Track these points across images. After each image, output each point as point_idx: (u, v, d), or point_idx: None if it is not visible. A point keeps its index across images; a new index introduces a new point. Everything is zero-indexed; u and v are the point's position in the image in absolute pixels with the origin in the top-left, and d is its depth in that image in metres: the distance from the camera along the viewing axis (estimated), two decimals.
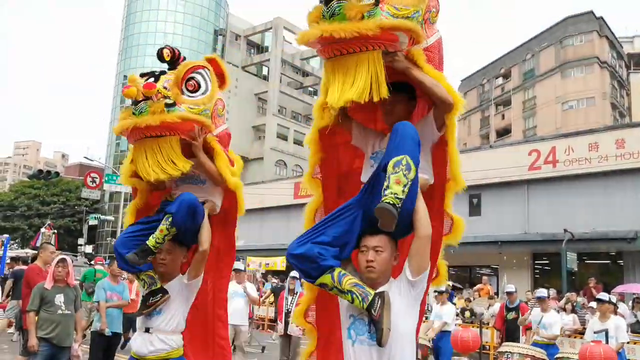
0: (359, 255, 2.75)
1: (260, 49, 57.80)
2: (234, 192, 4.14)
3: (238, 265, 9.67)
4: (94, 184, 28.73)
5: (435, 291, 11.23)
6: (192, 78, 3.82)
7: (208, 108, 3.89)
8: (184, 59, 4.08)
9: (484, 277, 19.64)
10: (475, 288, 19.02)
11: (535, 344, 8.35)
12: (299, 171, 49.39)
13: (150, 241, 3.75)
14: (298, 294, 10.40)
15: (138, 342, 3.90)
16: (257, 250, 29.12)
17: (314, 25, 2.70)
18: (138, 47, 53.63)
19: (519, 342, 9.26)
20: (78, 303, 6.78)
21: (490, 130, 56.51)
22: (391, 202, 2.48)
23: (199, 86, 3.84)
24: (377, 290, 2.62)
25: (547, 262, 22.89)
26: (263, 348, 13.10)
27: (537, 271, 22.90)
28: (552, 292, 15.07)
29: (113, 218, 40.68)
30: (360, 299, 2.58)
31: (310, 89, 60.44)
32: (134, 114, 3.67)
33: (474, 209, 23.74)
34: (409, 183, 2.54)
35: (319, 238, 2.69)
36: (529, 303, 12.42)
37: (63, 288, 6.47)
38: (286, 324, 10.56)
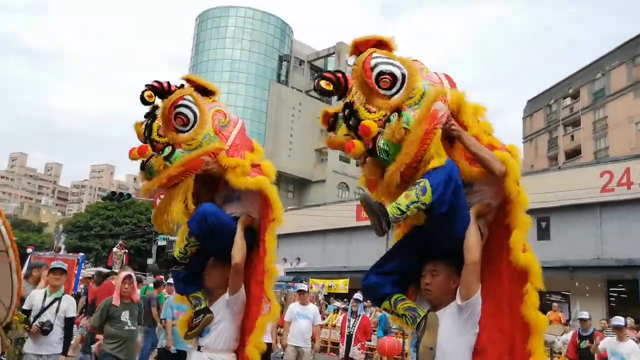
0: (421, 279, 3.00)
1: None
2: (266, 196, 3.90)
3: (301, 286, 9.66)
4: None
5: None
6: (179, 113, 3.72)
7: (207, 132, 3.80)
8: (175, 87, 3.92)
9: (555, 304, 18.79)
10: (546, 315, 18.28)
11: None
12: (361, 192, 49.28)
13: (175, 252, 3.92)
14: (360, 316, 10.28)
15: (192, 359, 3.95)
16: (320, 273, 29.11)
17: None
18: (207, 73, 55.39)
19: None
20: (140, 318, 6.98)
21: (558, 152, 54.56)
22: (389, 210, 2.66)
23: (188, 119, 3.74)
24: (427, 312, 2.87)
25: (623, 289, 21.69)
26: None
27: (613, 299, 21.72)
28: (630, 321, 14.25)
29: None
30: (411, 321, 2.86)
31: None
32: (147, 177, 3.80)
33: (543, 233, 22.92)
34: (419, 203, 2.67)
35: (380, 269, 3.02)
36: (604, 332, 11.77)
37: (128, 304, 6.66)
38: (348, 347, 10.44)
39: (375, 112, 2.80)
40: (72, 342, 12.28)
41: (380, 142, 2.70)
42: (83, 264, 17.80)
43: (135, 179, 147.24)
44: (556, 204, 21.67)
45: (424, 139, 2.67)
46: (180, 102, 3.72)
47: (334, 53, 55.48)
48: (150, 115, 3.81)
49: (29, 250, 15.34)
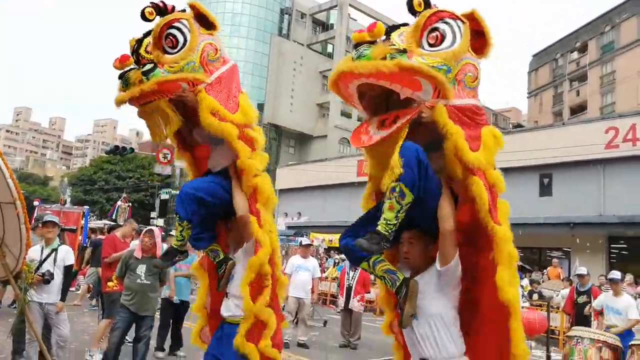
0: (399, 246, 3.08)
1: (326, 26, 57.50)
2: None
3: (306, 240, 9.79)
4: (166, 160, 29.70)
5: None
6: (170, 34, 3.68)
7: (192, 60, 3.72)
8: (173, 9, 3.84)
9: (555, 260, 19.00)
10: (545, 271, 18.50)
11: (607, 329, 7.96)
12: (362, 149, 49.20)
13: (174, 242, 4.01)
14: (359, 270, 10.45)
15: (222, 304, 4.09)
16: (320, 227, 29.37)
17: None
18: None
19: (590, 327, 8.89)
20: (163, 275, 7.05)
21: (563, 108, 54.08)
22: (382, 230, 2.71)
23: (177, 41, 3.70)
24: (408, 277, 2.92)
25: (624, 245, 21.87)
26: (325, 322, 13.26)
27: (614, 255, 21.89)
28: (629, 277, 14.43)
29: None
30: (390, 283, 2.91)
31: None
32: (122, 88, 3.71)
33: (545, 189, 22.97)
34: (404, 207, 2.71)
35: (357, 232, 3.01)
36: (602, 287, 11.93)
37: (148, 259, 6.75)
38: (347, 299, 10.65)
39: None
40: (79, 291, 12.65)
41: (367, 45, 2.73)
42: (88, 217, 17.97)
43: (137, 133, 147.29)
44: (559, 160, 21.64)
45: (382, 74, 2.63)
46: (175, 23, 3.69)
47: (336, 6, 54.39)
48: (148, 34, 3.77)
49: (36, 203, 15.48)
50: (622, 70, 46.19)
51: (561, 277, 16.29)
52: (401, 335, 3.18)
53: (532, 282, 17.01)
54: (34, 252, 6.27)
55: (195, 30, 3.76)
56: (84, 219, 15.44)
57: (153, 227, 7.29)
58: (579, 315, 9.51)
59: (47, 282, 6.19)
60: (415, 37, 2.74)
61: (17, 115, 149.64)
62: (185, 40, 3.71)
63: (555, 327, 12.77)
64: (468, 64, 2.88)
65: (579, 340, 7.60)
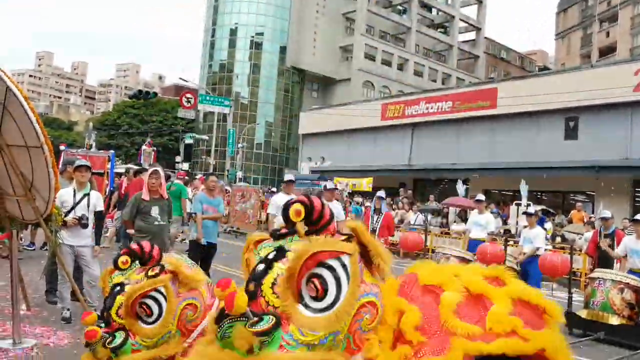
0: None
1: None
2: None
3: (330, 184, 9.69)
4: (189, 104, 29.75)
5: (524, 213, 10.98)
6: (144, 303, 3.34)
7: (169, 330, 3.40)
8: (159, 255, 3.55)
9: (578, 204, 18.88)
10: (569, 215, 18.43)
11: (631, 272, 7.95)
12: (387, 92, 48.61)
13: None
14: (383, 213, 10.48)
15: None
16: (344, 172, 29.44)
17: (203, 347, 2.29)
18: None
19: (612, 269, 8.89)
20: (170, 214, 7.23)
21: (592, 49, 52.47)
22: None
23: (152, 312, 3.36)
24: None
25: None
26: None
27: (638, 199, 21.66)
28: None
29: (207, 137, 42.26)
30: None
31: (399, 7, 58.23)
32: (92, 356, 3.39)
33: (570, 133, 22.59)
34: None
35: None
36: (625, 231, 11.87)
37: (157, 200, 6.91)
38: None
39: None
40: (107, 234, 12.98)
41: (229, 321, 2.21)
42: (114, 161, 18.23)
43: (160, 77, 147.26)
44: (586, 103, 21.17)
45: None
46: (151, 292, 3.36)
47: None
48: (122, 289, 3.44)
49: (62, 147, 15.70)
50: None
51: (585, 221, 16.21)
52: None
53: (555, 225, 16.98)
54: (67, 195, 6.41)
55: (173, 297, 3.43)
56: (109, 163, 15.66)
57: (158, 168, 7.36)
58: (602, 258, 9.51)
59: (85, 226, 6.35)
60: (292, 289, 2.17)
61: (40, 60, 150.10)
62: (160, 312, 3.39)
63: (578, 269, 12.81)
64: (364, 305, 2.26)
65: (601, 282, 7.64)
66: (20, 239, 11.36)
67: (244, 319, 2.10)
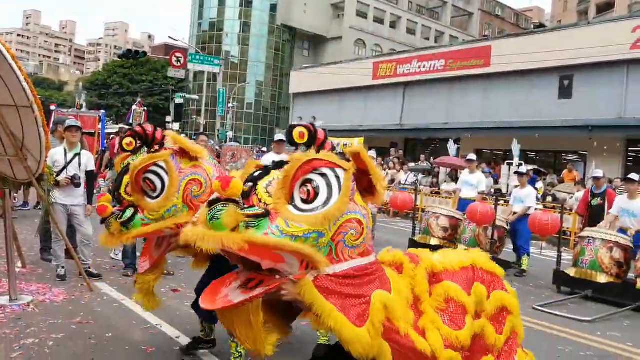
0: None
1: None
2: None
3: (279, 136, 9.42)
4: (179, 64, 29.37)
5: (515, 173, 11.02)
6: (147, 179, 3.51)
7: (174, 204, 3.55)
8: (162, 136, 3.69)
9: (569, 165, 18.97)
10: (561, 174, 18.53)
11: (621, 231, 8.04)
12: (379, 51, 48.10)
13: None
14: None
15: None
16: (336, 132, 29.34)
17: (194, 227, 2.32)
18: None
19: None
20: None
21: (589, 6, 51.77)
22: None
23: (155, 186, 3.54)
24: None
25: None
26: None
27: (631, 159, 21.77)
28: None
29: (197, 97, 41.90)
30: None
31: None
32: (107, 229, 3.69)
33: (564, 91, 22.52)
34: None
35: None
36: (617, 191, 11.97)
37: None
38: None
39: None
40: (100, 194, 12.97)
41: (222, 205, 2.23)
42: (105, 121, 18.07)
43: (149, 36, 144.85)
44: (582, 61, 21.03)
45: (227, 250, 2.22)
46: (151, 167, 3.51)
47: None
48: (126, 171, 3.60)
49: (52, 107, 15.53)
50: None
51: (576, 180, 16.33)
52: None
53: (547, 185, 17.10)
54: (58, 155, 6.40)
55: (174, 173, 3.55)
56: (100, 123, 15.54)
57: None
58: (592, 217, 9.60)
59: (78, 185, 6.39)
60: (285, 191, 2.30)
61: (27, 18, 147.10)
62: (163, 186, 3.54)
63: (568, 229, 12.98)
64: (350, 220, 2.36)
65: (590, 241, 7.74)
66: (14, 199, 11.34)
67: (235, 204, 2.20)
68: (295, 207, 2.29)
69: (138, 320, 5.12)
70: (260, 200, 2.29)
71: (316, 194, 2.31)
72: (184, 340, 4.62)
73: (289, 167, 2.32)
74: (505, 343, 2.85)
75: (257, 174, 2.37)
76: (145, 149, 3.67)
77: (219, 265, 3.67)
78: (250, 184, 2.35)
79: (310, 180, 2.33)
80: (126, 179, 3.56)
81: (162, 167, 3.54)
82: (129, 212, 3.52)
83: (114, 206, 3.63)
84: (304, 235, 2.24)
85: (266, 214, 2.23)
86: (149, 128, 3.67)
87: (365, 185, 2.45)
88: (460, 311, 2.69)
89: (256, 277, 2.35)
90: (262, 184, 2.34)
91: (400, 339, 2.43)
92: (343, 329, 2.28)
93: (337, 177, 2.36)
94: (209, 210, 2.21)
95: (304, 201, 2.30)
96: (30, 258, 7.14)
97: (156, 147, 3.65)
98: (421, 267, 2.71)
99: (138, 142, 3.65)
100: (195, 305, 4.28)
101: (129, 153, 3.66)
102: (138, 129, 3.67)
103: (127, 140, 3.62)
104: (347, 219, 2.35)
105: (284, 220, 2.24)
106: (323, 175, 2.35)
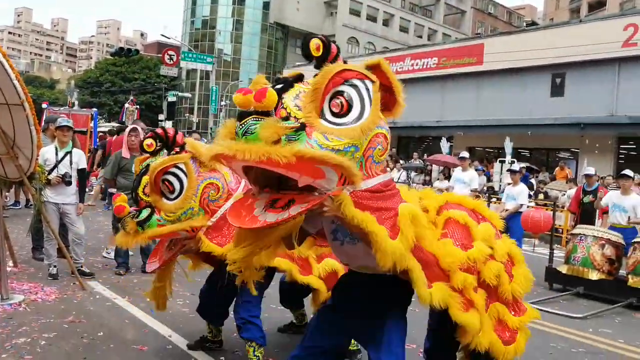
0: None
1: None
2: None
3: None
4: (172, 61, 29.27)
5: (508, 170, 11.06)
6: (166, 180, 3.57)
7: (191, 206, 3.61)
8: (182, 140, 3.79)
9: (561, 162, 19.05)
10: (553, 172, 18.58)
11: (612, 228, 8.10)
12: (372, 49, 48.10)
13: None
14: None
15: None
16: None
17: (224, 141, 2.20)
18: None
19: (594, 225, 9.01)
20: None
21: (581, 4, 51.96)
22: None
23: (174, 188, 3.59)
24: None
25: (633, 146, 21.79)
26: None
27: (622, 156, 21.87)
28: (637, 177, 14.49)
29: (190, 95, 41.78)
30: None
31: None
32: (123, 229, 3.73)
33: (557, 89, 22.60)
34: None
35: None
36: (608, 187, 12.03)
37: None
38: None
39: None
40: (92, 192, 12.92)
41: (254, 119, 2.13)
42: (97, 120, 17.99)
43: (142, 34, 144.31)
44: (573, 59, 21.09)
45: (276, 164, 2.04)
46: (171, 169, 3.56)
47: None
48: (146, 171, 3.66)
49: (44, 105, 15.45)
50: None
51: (569, 178, 16.39)
52: None
53: (539, 182, 17.17)
54: (49, 153, 6.35)
55: (193, 174, 3.62)
56: (93, 121, 15.46)
57: (137, 126, 7.30)
58: (584, 215, 9.65)
59: (69, 183, 6.34)
60: (315, 104, 2.17)
61: (18, 16, 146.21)
62: (182, 188, 3.58)
63: (560, 226, 13.03)
64: (377, 135, 2.33)
65: (582, 238, 7.77)
66: (5, 197, 11.28)
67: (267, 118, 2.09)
68: (327, 120, 2.19)
69: (130, 319, 5.11)
70: (289, 114, 2.15)
71: (349, 107, 2.22)
72: (177, 339, 4.61)
73: (320, 79, 2.19)
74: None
75: (279, 86, 2.21)
76: (165, 151, 3.69)
77: (220, 273, 3.72)
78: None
79: (341, 92, 2.22)
80: (145, 179, 3.60)
81: (181, 169, 3.58)
82: (145, 212, 3.56)
83: (130, 206, 3.68)
84: (344, 149, 2.17)
85: (303, 127, 2.12)
86: (171, 131, 3.70)
87: (384, 100, 2.37)
88: (468, 234, 2.78)
89: (282, 197, 2.25)
90: (288, 97, 2.20)
91: (425, 255, 2.50)
92: (382, 241, 2.28)
93: (367, 89, 2.28)
94: (240, 124, 2.12)
95: (336, 114, 2.20)
96: (21, 257, 7.10)
97: (177, 149, 3.68)
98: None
99: (158, 143, 3.68)
100: (200, 310, 4.31)
101: (148, 154, 3.69)
102: (159, 130, 3.70)
103: (148, 141, 3.64)
104: (375, 133, 2.30)
105: (321, 133, 2.14)
106: (354, 86, 2.25)
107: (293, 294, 4.46)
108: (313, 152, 2.07)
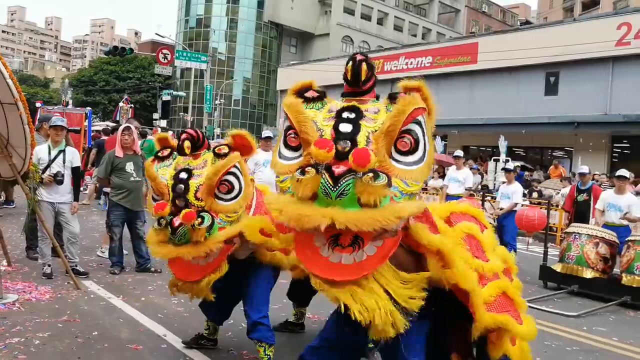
0: None
1: None
2: None
3: (267, 132, 9.38)
4: (166, 60, 29.20)
5: (502, 169, 11.08)
6: (225, 180, 3.45)
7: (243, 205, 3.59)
8: (208, 145, 3.65)
9: (555, 161, 19.10)
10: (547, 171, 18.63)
11: (605, 226, 8.13)
12: (366, 47, 48.11)
13: None
14: None
15: None
16: None
17: (312, 204, 2.10)
18: None
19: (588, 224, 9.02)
20: (143, 169, 7.17)
21: (575, 3, 52.14)
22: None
23: (233, 187, 3.49)
24: None
25: (627, 145, 21.90)
26: None
27: (616, 155, 21.99)
28: (630, 175, 14.55)
29: (184, 94, 41.65)
30: None
31: None
32: (173, 241, 3.40)
33: (551, 88, 22.69)
34: None
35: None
36: (602, 186, 12.07)
37: (132, 156, 6.87)
38: None
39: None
40: (87, 191, 12.87)
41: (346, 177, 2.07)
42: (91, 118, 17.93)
43: (136, 33, 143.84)
44: (567, 58, 21.17)
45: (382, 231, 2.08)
46: (232, 169, 3.46)
47: None
48: (182, 193, 3.41)
49: (38, 104, 15.38)
50: None
51: (563, 176, 16.43)
52: None
53: (533, 181, 17.21)
54: (42, 152, 6.30)
55: (247, 174, 3.60)
56: (87, 120, 15.40)
57: (130, 124, 7.28)
58: (578, 213, 9.67)
59: (60, 182, 6.27)
60: (388, 143, 2.15)
61: (12, 15, 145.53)
62: (241, 186, 3.51)
63: (554, 225, 13.07)
64: None
65: (576, 236, 7.79)
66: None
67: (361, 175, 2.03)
68: (395, 160, 2.17)
69: (125, 318, 5.09)
70: (376, 174, 2.07)
71: (416, 146, 2.20)
72: (171, 338, 4.60)
73: (396, 119, 2.16)
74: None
75: (344, 128, 2.21)
76: (176, 154, 3.60)
77: (226, 280, 3.72)
78: (348, 142, 2.16)
79: (409, 131, 2.19)
80: (193, 183, 3.41)
81: (238, 168, 3.51)
82: (208, 218, 3.37)
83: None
84: (418, 191, 2.20)
85: (388, 179, 2.07)
86: (196, 132, 3.63)
87: None
88: (480, 246, 2.82)
89: (343, 233, 2.14)
90: (362, 140, 2.16)
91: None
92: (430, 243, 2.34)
93: (425, 122, 2.28)
94: (332, 185, 2.04)
95: (402, 152, 2.18)
96: (15, 256, 7.06)
97: (203, 150, 3.60)
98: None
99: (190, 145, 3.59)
100: (202, 305, 4.29)
101: (158, 159, 3.58)
102: (193, 132, 3.63)
103: (187, 143, 3.55)
104: None
105: (401, 180, 2.13)
106: (419, 123, 2.24)
107: (304, 289, 4.45)
108: (409, 210, 2.09)
